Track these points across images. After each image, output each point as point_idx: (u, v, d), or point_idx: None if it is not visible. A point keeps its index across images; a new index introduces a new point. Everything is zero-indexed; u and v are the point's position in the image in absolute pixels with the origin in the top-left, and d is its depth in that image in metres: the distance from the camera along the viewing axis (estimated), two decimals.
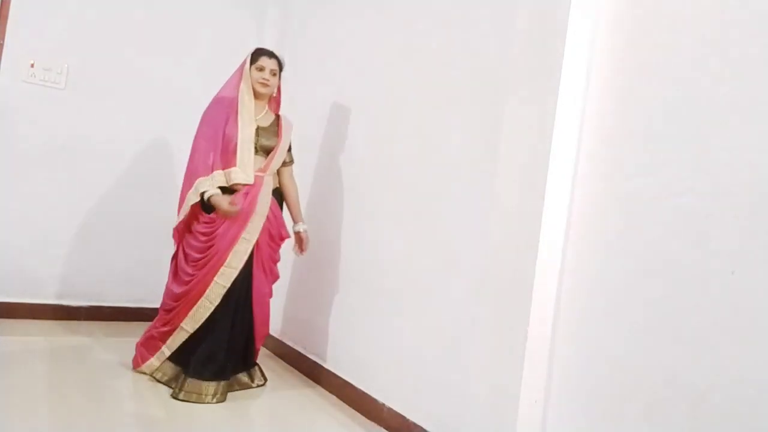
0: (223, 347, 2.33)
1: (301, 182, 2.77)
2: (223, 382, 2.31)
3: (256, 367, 2.56)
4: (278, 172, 2.55)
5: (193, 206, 2.40)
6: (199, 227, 2.41)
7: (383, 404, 2.22)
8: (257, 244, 2.39)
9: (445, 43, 2.22)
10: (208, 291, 2.30)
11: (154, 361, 2.40)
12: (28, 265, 3.06)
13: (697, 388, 1.30)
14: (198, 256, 2.37)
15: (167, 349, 2.39)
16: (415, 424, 2.04)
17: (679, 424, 1.33)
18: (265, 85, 2.50)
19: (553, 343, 1.63)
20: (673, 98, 1.46)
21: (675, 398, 1.34)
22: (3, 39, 2.95)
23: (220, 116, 2.44)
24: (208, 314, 2.32)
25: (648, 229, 1.46)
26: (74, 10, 3.10)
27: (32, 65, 3.00)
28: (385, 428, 2.18)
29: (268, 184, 2.44)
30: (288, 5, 3.60)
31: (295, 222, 2.62)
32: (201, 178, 2.35)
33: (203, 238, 2.38)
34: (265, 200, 2.40)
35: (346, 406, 2.41)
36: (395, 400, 2.19)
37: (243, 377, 2.49)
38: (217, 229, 2.35)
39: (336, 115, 2.91)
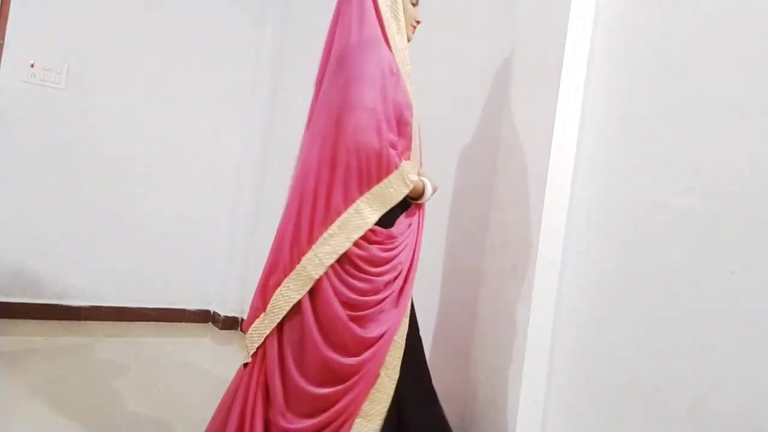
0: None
1: None
2: None
3: None
4: None
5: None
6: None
7: None
8: None
9: (446, 43, 2.22)
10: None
11: None
12: (28, 265, 3.05)
13: (697, 388, 1.30)
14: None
15: None
16: None
17: (679, 424, 1.33)
18: (414, 30, 1.56)
19: (553, 343, 1.63)
20: (673, 98, 1.46)
21: (675, 398, 1.34)
22: (3, 39, 2.95)
23: (383, 67, 1.37)
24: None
25: (648, 229, 1.46)
26: (74, 10, 3.10)
27: (32, 65, 2.99)
28: None
29: None
30: (288, 3, 3.60)
31: None
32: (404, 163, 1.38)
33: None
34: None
35: None
36: None
37: None
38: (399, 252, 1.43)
39: None
